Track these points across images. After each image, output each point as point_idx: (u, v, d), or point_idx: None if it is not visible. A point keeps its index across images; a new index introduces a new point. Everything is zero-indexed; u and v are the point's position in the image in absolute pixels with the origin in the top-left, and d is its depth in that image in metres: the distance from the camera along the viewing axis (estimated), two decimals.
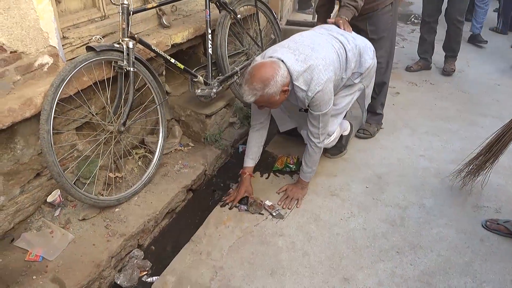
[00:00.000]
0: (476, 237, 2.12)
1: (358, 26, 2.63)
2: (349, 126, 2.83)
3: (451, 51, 4.16)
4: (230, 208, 2.30)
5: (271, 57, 1.98)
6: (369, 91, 2.55)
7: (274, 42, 3.53)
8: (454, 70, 4.17)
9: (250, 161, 2.37)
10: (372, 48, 2.37)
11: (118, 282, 1.91)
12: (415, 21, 6.01)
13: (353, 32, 2.37)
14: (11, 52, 1.72)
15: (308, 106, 2.06)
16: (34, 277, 1.73)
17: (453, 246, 2.06)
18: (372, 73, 2.43)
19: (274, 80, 1.87)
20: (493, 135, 2.21)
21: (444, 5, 3.97)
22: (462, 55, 4.35)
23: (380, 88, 2.97)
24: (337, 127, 2.49)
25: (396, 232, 2.14)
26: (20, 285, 1.70)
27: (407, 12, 6.46)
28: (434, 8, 4.00)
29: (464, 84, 4.02)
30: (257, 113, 2.30)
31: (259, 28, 3.16)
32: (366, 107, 2.72)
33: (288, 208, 2.28)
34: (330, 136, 2.44)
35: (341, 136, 2.70)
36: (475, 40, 5.11)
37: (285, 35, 3.98)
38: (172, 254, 2.05)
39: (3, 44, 1.67)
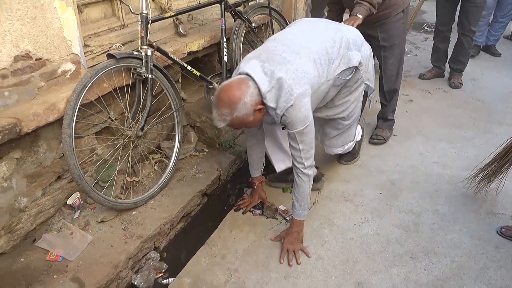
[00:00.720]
0: (491, 244, 2.12)
1: (369, 33, 2.65)
2: (361, 131, 2.80)
3: (458, 64, 4.10)
4: (243, 213, 2.33)
5: (240, 73, 1.81)
6: (369, 78, 2.24)
7: None
8: (462, 84, 4.12)
9: (255, 172, 2.35)
10: (362, 38, 2.14)
11: (135, 283, 1.95)
12: (428, 29, 6.02)
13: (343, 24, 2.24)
14: (36, 59, 1.79)
15: (283, 125, 1.87)
16: (55, 276, 1.79)
17: (467, 252, 2.06)
18: (367, 64, 2.15)
19: (242, 102, 1.71)
20: (508, 140, 2.21)
21: (457, 14, 3.99)
22: (476, 62, 4.35)
23: (391, 95, 2.99)
24: (356, 134, 2.51)
25: (410, 238, 2.15)
26: (42, 283, 1.75)
27: (420, 21, 6.47)
28: (448, 17, 4.00)
29: (478, 92, 4.00)
30: (247, 132, 2.23)
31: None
32: (370, 95, 2.40)
33: (298, 264, 2.00)
34: (353, 141, 2.51)
35: (355, 144, 2.66)
36: (489, 50, 5.09)
37: None
38: (188, 256, 2.09)
39: (29, 51, 1.75)
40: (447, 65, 4.30)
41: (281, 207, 2.34)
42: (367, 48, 2.17)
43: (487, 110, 3.63)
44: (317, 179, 2.43)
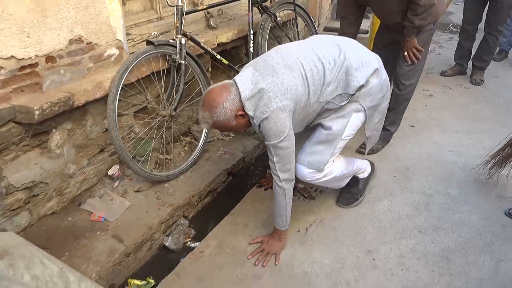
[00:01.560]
0: (498, 223, 2.24)
1: (393, 38, 2.70)
2: (369, 167, 2.45)
3: (481, 62, 4.18)
4: (265, 189, 2.54)
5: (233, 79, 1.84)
6: (372, 114, 2.03)
7: None
8: (483, 81, 4.21)
9: None
10: (377, 65, 1.94)
11: (166, 244, 2.18)
12: (453, 29, 6.08)
13: (360, 45, 2.02)
14: (87, 43, 2.06)
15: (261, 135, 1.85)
16: (98, 233, 2.04)
17: (474, 229, 2.19)
18: (374, 93, 1.94)
19: (221, 107, 1.75)
20: None
21: (484, 14, 4.06)
22: (500, 63, 4.41)
23: (399, 104, 2.87)
24: (335, 161, 2.09)
25: (420, 215, 2.30)
26: (87, 238, 2.01)
27: (447, 21, 6.53)
28: (475, 16, 4.07)
29: (499, 89, 4.08)
30: None
31: (297, 31, 3.42)
32: (368, 135, 2.15)
33: (263, 266, 1.99)
34: (321, 172, 2.04)
35: (358, 179, 2.36)
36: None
37: None
38: (213, 226, 2.30)
39: (82, 36, 2.02)
40: (469, 64, 4.39)
41: (300, 185, 2.53)
42: (381, 77, 1.96)
43: (506, 106, 3.71)
44: (353, 198, 2.40)
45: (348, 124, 1.96)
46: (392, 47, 2.77)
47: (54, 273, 1.65)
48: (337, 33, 2.82)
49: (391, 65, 2.79)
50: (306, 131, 2.07)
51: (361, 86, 1.89)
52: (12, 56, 1.73)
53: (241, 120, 1.82)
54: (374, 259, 2.01)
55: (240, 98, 1.76)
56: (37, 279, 1.62)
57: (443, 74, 4.40)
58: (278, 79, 1.75)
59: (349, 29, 2.77)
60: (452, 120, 3.42)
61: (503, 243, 2.10)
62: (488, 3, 3.92)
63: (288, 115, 1.77)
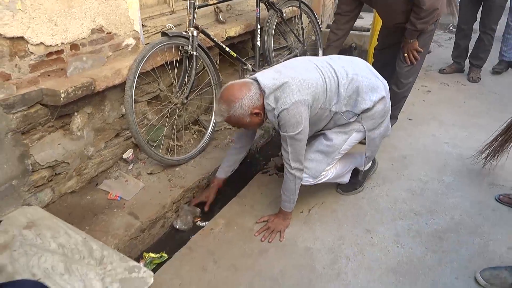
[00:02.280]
0: (489, 207, 2.39)
1: (394, 40, 2.83)
2: (371, 162, 2.59)
3: (478, 60, 4.34)
4: (270, 175, 2.69)
5: (251, 78, 1.98)
6: (373, 136, 2.19)
7: (315, 43, 3.95)
8: (480, 79, 4.36)
9: (222, 172, 2.43)
10: (383, 93, 2.09)
11: (177, 227, 2.32)
12: (453, 29, 6.22)
13: (374, 71, 2.18)
14: (107, 33, 2.21)
15: (279, 127, 1.97)
16: (115, 210, 2.19)
17: (466, 212, 2.35)
18: (376, 118, 2.11)
19: (239, 102, 1.86)
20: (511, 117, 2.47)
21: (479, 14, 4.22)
22: (492, 56, 4.55)
23: (397, 101, 2.98)
24: (330, 170, 2.23)
25: (416, 199, 2.46)
26: (105, 214, 2.16)
27: (447, 21, 6.68)
28: (470, 16, 4.25)
29: (496, 87, 4.23)
30: (239, 136, 2.38)
31: (302, 27, 3.57)
32: (367, 155, 2.30)
33: (269, 242, 2.14)
34: (316, 178, 2.19)
35: (358, 171, 2.49)
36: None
37: (325, 38, 4.40)
38: (221, 207, 2.46)
39: (102, 26, 2.17)
40: (467, 62, 4.54)
41: None
42: (386, 104, 2.13)
43: (502, 102, 3.86)
44: (372, 167, 2.59)
45: (347, 140, 2.15)
46: (394, 48, 2.91)
47: (78, 242, 1.80)
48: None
49: (391, 66, 2.96)
50: (309, 139, 2.14)
51: (367, 109, 2.05)
52: (41, 43, 1.88)
53: (254, 118, 1.93)
54: (372, 237, 2.16)
55: (261, 96, 1.90)
56: (63, 246, 1.78)
57: (441, 71, 4.56)
58: (301, 76, 1.91)
59: (344, 25, 2.88)
60: (449, 114, 3.58)
61: (492, 225, 2.25)
62: (482, 3, 4.07)
63: (306, 109, 1.90)
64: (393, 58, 2.93)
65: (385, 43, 3.00)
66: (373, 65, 2.87)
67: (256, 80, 1.94)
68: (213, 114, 1.94)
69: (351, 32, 3.39)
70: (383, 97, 2.09)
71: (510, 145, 2.51)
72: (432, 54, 5.20)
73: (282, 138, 1.98)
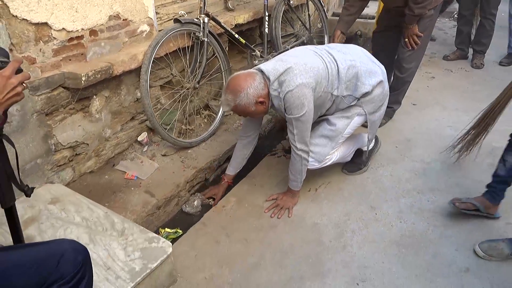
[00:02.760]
0: None
1: (394, 22, 2.91)
2: (375, 141, 2.69)
3: (480, 45, 4.37)
4: (279, 157, 2.81)
5: (255, 69, 2.08)
6: (374, 119, 2.32)
7: (321, 30, 4.03)
8: (483, 65, 4.40)
9: (231, 169, 2.49)
10: (381, 77, 2.21)
11: (185, 211, 2.41)
12: (458, 17, 6.25)
13: (371, 57, 2.29)
14: (123, 20, 2.31)
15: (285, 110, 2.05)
16: (132, 188, 2.32)
17: (467, 190, 2.44)
18: (376, 101, 2.24)
19: (244, 92, 1.95)
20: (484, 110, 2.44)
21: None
22: (498, 46, 4.61)
23: (400, 85, 3.09)
24: (334, 154, 2.34)
25: (419, 179, 2.56)
26: (123, 193, 2.28)
27: (452, 10, 6.70)
28: (470, 2, 4.29)
29: (499, 73, 4.29)
30: (246, 126, 2.40)
31: (308, 14, 3.65)
32: (370, 137, 2.43)
33: (278, 218, 2.26)
34: (322, 162, 2.30)
35: (362, 151, 2.57)
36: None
37: (330, 25, 4.47)
38: (231, 187, 2.57)
39: (119, 13, 2.27)
40: (470, 49, 4.60)
41: None
42: (384, 88, 2.25)
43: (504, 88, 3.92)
44: (375, 146, 2.70)
45: (350, 124, 2.26)
46: (393, 32, 2.98)
47: (100, 215, 1.93)
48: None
49: (390, 49, 3.06)
50: (313, 124, 2.22)
51: (366, 93, 2.17)
52: (63, 29, 1.99)
53: (259, 107, 2.03)
54: (376, 214, 2.27)
55: (264, 86, 1.99)
56: (86, 220, 1.90)
57: (445, 58, 4.62)
58: (302, 60, 2.02)
59: (356, 2, 2.91)
60: (452, 100, 3.66)
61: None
62: None
63: (310, 92, 1.99)
64: (392, 42, 3.02)
65: (384, 26, 3.09)
66: (372, 48, 3.02)
67: (260, 70, 2.04)
68: (221, 103, 2.02)
69: (357, 20, 3.48)
70: (381, 81, 2.21)
71: (482, 138, 2.47)
72: (437, 42, 5.25)
73: (288, 120, 2.08)
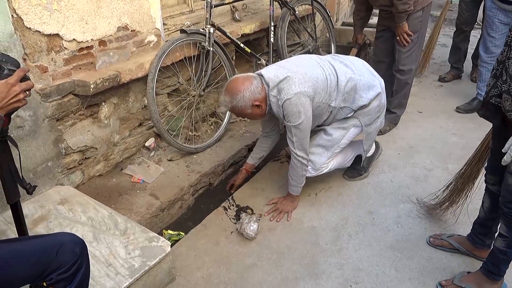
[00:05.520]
0: None
1: (389, 26, 3.04)
2: (373, 146, 2.71)
3: None
4: (281, 162, 2.88)
5: (257, 73, 2.15)
6: (370, 131, 2.38)
7: (328, 40, 4.11)
8: None
9: (251, 159, 2.58)
10: (379, 89, 2.28)
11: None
12: None
13: (371, 69, 2.35)
14: (131, 31, 2.44)
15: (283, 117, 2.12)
16: (138, 191, 2.42)
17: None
18: (372, 114, 2.30)
19: (241, 94, 2.02)
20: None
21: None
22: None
23: (401, 88, 3.17)
24: (331, 162, 2.41)
25: (419, 185, 2.59)
26: (129, 195, 2.39)
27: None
28: (471, 16, 3.97)
29: None
30: (263, 125, 2.50)
31: (314, 24, 3.74)
32: (365, 148, 2.49)
33: (277, 221, 2.31)
34: (319, 170, 2.36)
35: (361, 157, 2.59)
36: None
37: (339, 35, 4.54)
38: (250, 177, 2.68)
39: (127, 24, 2.40)
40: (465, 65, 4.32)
41: None
42: (381, 101, 2.31)
43: None
44: (376, 152, 2.74)
45: (346, 135, 2.33)
46: (389, 35, 3.11)
47: (105, 215, 2.03)
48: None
49: (391, 54, 3.18)
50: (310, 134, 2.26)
51: (363, 106, 2.25)
52: (73, 39, 2.12)
53: (256, 110, 2.10)
54: (374, 218, 2.31)
55: (261, 90, 2.06)
56: (92, 219, 2.01)
57: (441, 80, 4.27)
58: (302, 70, 2.09)
59: (361, 5, 3.22)
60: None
61: None
62: (482, 1, 3.77)
63: (308, 100, 2.06)
64: (391, 46, 3.15)
65: (379, 30, 3.22)
66: (374, 54, 3.25)
67: (260, 74, 2.12)
68: (219, 104, 2.13)
69: (365, 29, 3.58)
70: (379, 93, 2.28)
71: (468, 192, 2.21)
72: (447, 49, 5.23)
73: (287, 128, 2.15)
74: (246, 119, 3.31)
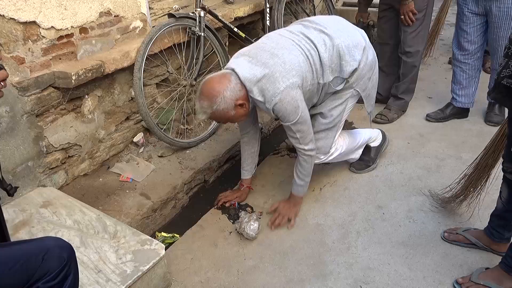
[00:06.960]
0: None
1: (391, 3, 3.06)
2: (380, 136, 2.71)
3: None
4: (282, 156, 2.87)
5: (226, 68, 2.02)
6: (368, 93, 2.30)
7: None
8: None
9: (245, 173, 2.49)
10: (363, 44, 2.15)
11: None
12: None
13: (348, 24, 2.23)
14: (115, 16, 2.42)
15: (277, 117, 2.07)
16: (127, 191, 2.41)
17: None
18: (365, 74, 2.19)
19: (221, 96, 1.88)
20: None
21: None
22: None
23: (408, 71, 3.18)
24: (338, 140, 2.38)
25: (431, 176, 2.59)
26: (117, 195, 2.38)
27: None
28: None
29: None
30: (241, 124, 2.37)
31: (313, 5, 3.72)
32: (369, 110, 2.43)
33: (276, 227, 2.26)
34: (327, 154, 2.35)
35: (369, 147, 2.63)
36: None
37: (341, 15, 4.52)
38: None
39: (110, 9, 2.38)
40: None
41: None
42: (369, 55, 2.19)
43: None
44: (383, 142, 2.72)
45: (345, 110, 2.26)
46: (393, 15, 3.12)
47: (92, 218, 2.03)
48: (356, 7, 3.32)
49: (395, 35, 3.20)
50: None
51: (353, 71, 2.12)
52: (52, 27, 2.10)
53: (240, 110, 1.97)
54: (383, 213, 2.32)
55: (241, 87, 1.92)
56: (78, 223, 2.00)
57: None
58: (280, 60, 1.93)
59: None
60: None
61: None
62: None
63: (298, 91, 1.97)
64: (395, 27, 3.17)
65: (382, 10, 3.23)
66: (378, 36, 3.33)
67: (232, 70, 1.97)
68: (196, 112, 1.99)
69: (369, 9, 3.58)
70: (364, 48, 2.14)
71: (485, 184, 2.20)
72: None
73: (286, 127, 2.09)
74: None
